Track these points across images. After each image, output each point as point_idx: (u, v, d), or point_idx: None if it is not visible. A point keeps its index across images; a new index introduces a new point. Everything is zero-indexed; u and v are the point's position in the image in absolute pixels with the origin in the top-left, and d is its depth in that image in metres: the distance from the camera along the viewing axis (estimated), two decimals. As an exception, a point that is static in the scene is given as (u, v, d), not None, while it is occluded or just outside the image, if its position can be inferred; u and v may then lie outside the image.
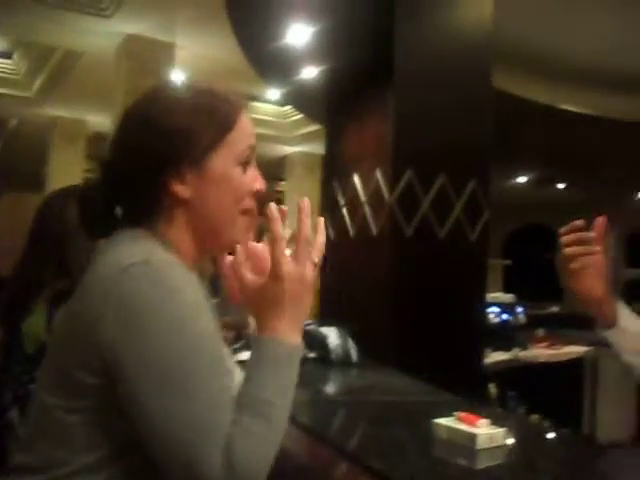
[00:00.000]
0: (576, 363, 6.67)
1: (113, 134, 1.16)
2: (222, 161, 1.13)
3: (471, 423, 1.41)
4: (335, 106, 4.68)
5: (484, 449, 1.37)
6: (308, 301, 1.08)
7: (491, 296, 6.16)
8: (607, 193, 10.41)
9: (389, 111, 3.89)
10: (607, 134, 8.41)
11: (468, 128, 4.02)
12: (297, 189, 14.24)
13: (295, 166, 14.30)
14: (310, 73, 4.58)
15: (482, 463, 1.36)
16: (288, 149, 14.02)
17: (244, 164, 1.16)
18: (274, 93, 8.72)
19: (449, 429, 1.42)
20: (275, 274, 1.05)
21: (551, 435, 1.77)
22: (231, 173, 1.13)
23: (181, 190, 1.10)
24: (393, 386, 2.16)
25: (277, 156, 14.45)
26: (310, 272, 1.07)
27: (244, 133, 1.17)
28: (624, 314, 1.51)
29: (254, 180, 1.19)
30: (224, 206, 1.14)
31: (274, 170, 15.66)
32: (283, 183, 15.73)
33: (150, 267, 1.00)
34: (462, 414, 1.44)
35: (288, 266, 1.06)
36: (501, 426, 1.42)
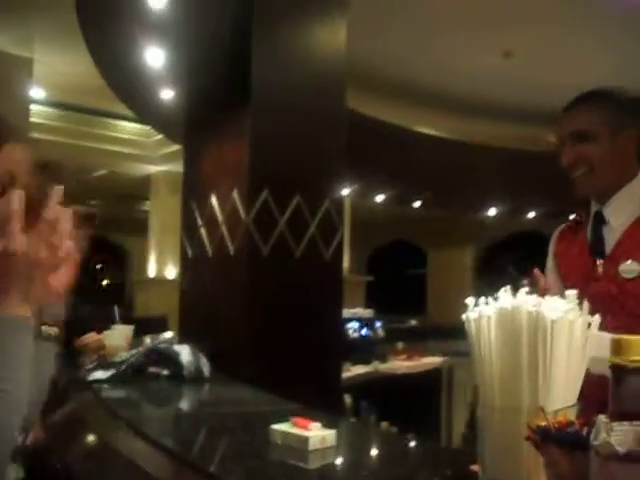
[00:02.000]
0: (433, 373, 6.97)
1: None
2: None
3: (304, 427, 1.52)
4: (193, 127, 4.72)
5: (316, 450, 1.48)
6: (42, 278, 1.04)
7: (350, 312, 6.38)
8: (461, 210, 10.90)
9: (246, 133, 3.98)
10: (462, 156, 8.82)
11: (322, 151, 4.16)
12: (161, 208, 14.10)
13: (160, 185, 14.16)
14: (167, 95, 4.62)
15: (314, 463, 1.47)
16: (152, 168, 13.87)
17: None
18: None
19: (284, 433, 1.53)
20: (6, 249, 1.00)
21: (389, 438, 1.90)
22: None
23: None
24: (240, 399, 2.25)
25: (141, 175, 14.27)
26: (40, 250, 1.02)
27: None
28: None
29: None
30: None
31: (138, 190, 15.45)
32: (148, 202, 15.54)
33: None
34: (297, 419, 1.55)
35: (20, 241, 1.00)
36: (333, 428, 1.53)
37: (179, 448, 1.56)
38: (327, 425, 1.55)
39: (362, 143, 5.53)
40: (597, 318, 1.23)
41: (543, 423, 1.04)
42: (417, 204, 9.85)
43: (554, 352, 1.16)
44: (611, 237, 1.92)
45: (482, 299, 1.25)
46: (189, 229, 4.56)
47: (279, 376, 3.57)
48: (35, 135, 9.55)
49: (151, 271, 14.76)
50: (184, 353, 2.68)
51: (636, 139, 1.92)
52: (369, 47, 7.03)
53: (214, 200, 4.25)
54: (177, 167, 12.90)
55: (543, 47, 7.58)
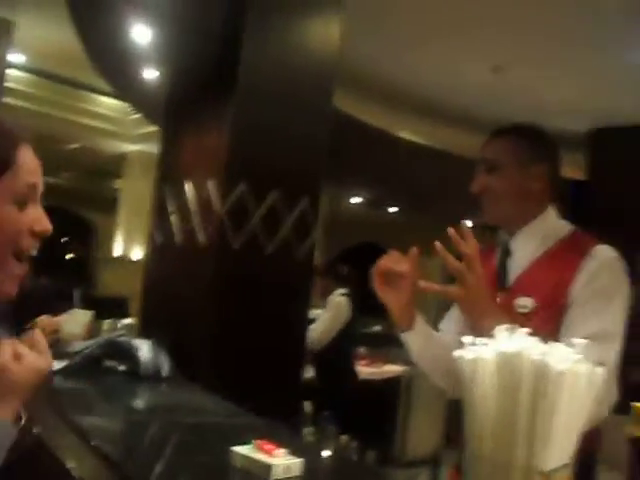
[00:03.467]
0: (394, 381, 6.89)
1: None
2: None
3: (268, 452, 1.39)
4: (173, 110, 4.59)
5: None
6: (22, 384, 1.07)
7: (315, 312, 6.24)
8: (436, 219, 10.84)
9: (227, 122, 3.86)
10: (443, 165, 8.76)
11: (305, 147, 4.05)
12: (134, 188, 13.92)
13: (134, 165, 13.96)
14: (150, 74, 4.47)
15: (276, 493, 1.34)
16: (127, 147, 13.67)
17: (22, 203, 1.07)
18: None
19: (245, 458, 1.39)
20: None
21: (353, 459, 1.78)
22: (1, 212, 1.05)
23: None
24: (199, 406, 2.11)
25: (115, 153, 14.05)
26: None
27: (23, 171, 1.08)
28: (420, 321, 1.82)
29: (35, 220, 1.10)
30: None
31: (111, 167, 15.22)
32: (119, 181, 15.33)
33: None
34: (260, 442, 1.42)
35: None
36: (299, 456, 1.41)
37: (124, 460, 1.42)
38: (293, 451, 1.42)
39: (343, 143, 5.41)
40: (601, 370, 1.12)
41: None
42: (393, 209, 9.76)
43: (556, 404, 1.05)
44: (514, 270, 1.93)
45: (479, 339, 1.13)
46: (159, 214, 4.43)
47: (239, 376, 3.46)
48: (9, 101, 9.29)
49: (117, 250, 14.57)
50: (144, 349, 2.53)
51: (546, 176, 1.92)
52: (360, 49, 6.94)
53: (188, 187, 4.11)
54: (153, 148, 12.70)
55: (532, 62, 7.55)
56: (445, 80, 8.25)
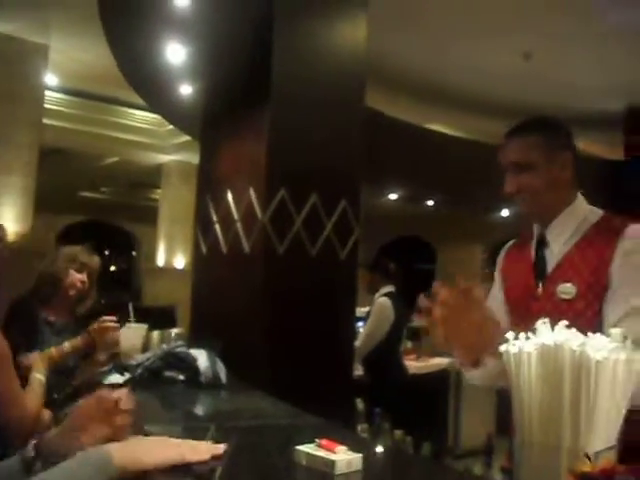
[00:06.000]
0: (442, 374, 6.91)
1: None
2: None
3: (330, 450, 1.49)
4: (210, 122, 4.69)
5: (342, 474, 1.45)
6: None
7: (361, 310, 6.30)
8: (473, 209, 10.82)
9: (264, 130, 3.93)
10: (478, 155, 8.75)
11: (340, 149, 4.11)
12: (173, 197, 14.10)
13: (171, 174, 14.16)
14: (186, 90, 4.58)
15: (340, 487, 1.44)
16: (164, 157, 13.86)
17: None
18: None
19: (310, 456, 1.49)
20: None
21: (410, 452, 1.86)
22: None
23: None
24: (260, 410, 2.21)
25: (153, 164, 14.26)
26: None
27: None
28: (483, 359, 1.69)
29: None
30: None
31: (149, 178, 15.44)
32: (158, 191, 15.54)
33: None
34: (322, 441, 1.52)
35: None
36: (359, 451, 1.50)
37: (203, 469, 1.52)
38: (353, 448, 1.51)
39: (375, 140, 5.47)
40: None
41: (587, 469, 1.00)
42: (430, 202, 9.78)
43: (597, 392, 1.13)
44: (552, 259, 2.00)
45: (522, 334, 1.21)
46: (203, 224, 4.53)
47: (292, 378, 3.54)
48: (48, 122, 9.50)
49: (160, 260, 14.77)
50: (201, 358, 2.64)
51: (570, 162, 2.01)
52: (388, 46, 7.00)
53: (230, 197, 4.22)
54: (189, 157, 12.96)
55: (562, 49, 7.53)
56: (476, 70, 8.26)
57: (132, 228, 20.17)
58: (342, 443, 1.52)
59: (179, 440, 1.37)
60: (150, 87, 5.04)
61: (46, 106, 9.43)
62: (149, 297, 14.83)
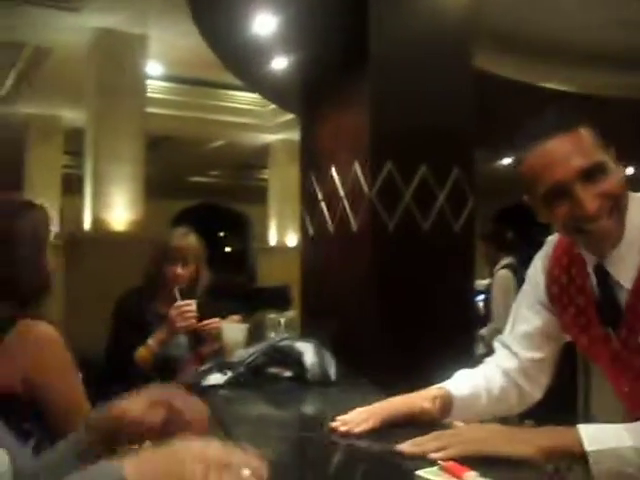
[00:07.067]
0: (568, 347, 6.53)
1: None
2: None
3: (457, 475, 1.21)
4: (308, 96, 4.48)
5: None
6: None
7: (482, 283, 5.94)
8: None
9: (365, 100, 3.69)
10: (594, 112, 8.23)
11: (449, 114, 3.81)
12: (280, 177, 14.12)
13: (278, 154, 14.15)
14: (280, 64, 4.37)
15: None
16: (270, 137, 13.86)
17: None
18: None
19: (432, 484, 1.22)
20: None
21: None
22: None
23: None
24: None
25: (259, 144, 14.29)
26: None
27: None
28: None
29: None
30: None
31: (256, 159, 15.49)
32: (266, 171, 15.58)
33: None
34: (447, 464, 1.24)
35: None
36: (490, 477, 1.22)
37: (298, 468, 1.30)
38: (484, 473, 1.22)
39: (487, 103, 5.12)
40: None
41: None
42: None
43: None
44: (621, 298, 1.50)
45: None
46: (309, 202, 4.34)
47: (410, 357, 3.30)
48: (153, 110, 9.59)
49: (272, 239, 14.85)
50: (308, 353, 2.41)
51: (614, 154, 1.52)
52: (498, 5, 6.64)
53: (334, 173, 3.99)
54: (294, 135, 12.81)
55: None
56: (587, 21, 7.75)
57: (243, 209, 20.42)
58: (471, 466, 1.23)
59: (219, 451, 0.96)
60: (243, 64, 4.86)
61: (151, 95, 9.51)
62: (263, 277, 14.96)
